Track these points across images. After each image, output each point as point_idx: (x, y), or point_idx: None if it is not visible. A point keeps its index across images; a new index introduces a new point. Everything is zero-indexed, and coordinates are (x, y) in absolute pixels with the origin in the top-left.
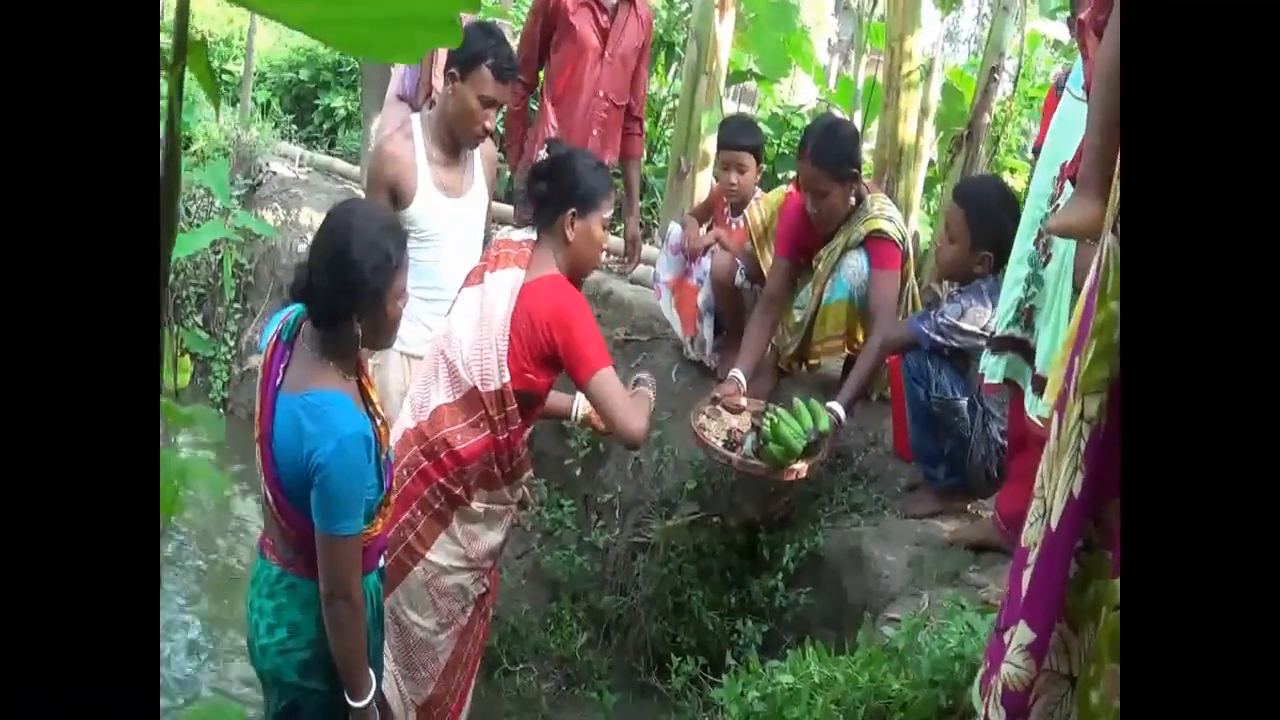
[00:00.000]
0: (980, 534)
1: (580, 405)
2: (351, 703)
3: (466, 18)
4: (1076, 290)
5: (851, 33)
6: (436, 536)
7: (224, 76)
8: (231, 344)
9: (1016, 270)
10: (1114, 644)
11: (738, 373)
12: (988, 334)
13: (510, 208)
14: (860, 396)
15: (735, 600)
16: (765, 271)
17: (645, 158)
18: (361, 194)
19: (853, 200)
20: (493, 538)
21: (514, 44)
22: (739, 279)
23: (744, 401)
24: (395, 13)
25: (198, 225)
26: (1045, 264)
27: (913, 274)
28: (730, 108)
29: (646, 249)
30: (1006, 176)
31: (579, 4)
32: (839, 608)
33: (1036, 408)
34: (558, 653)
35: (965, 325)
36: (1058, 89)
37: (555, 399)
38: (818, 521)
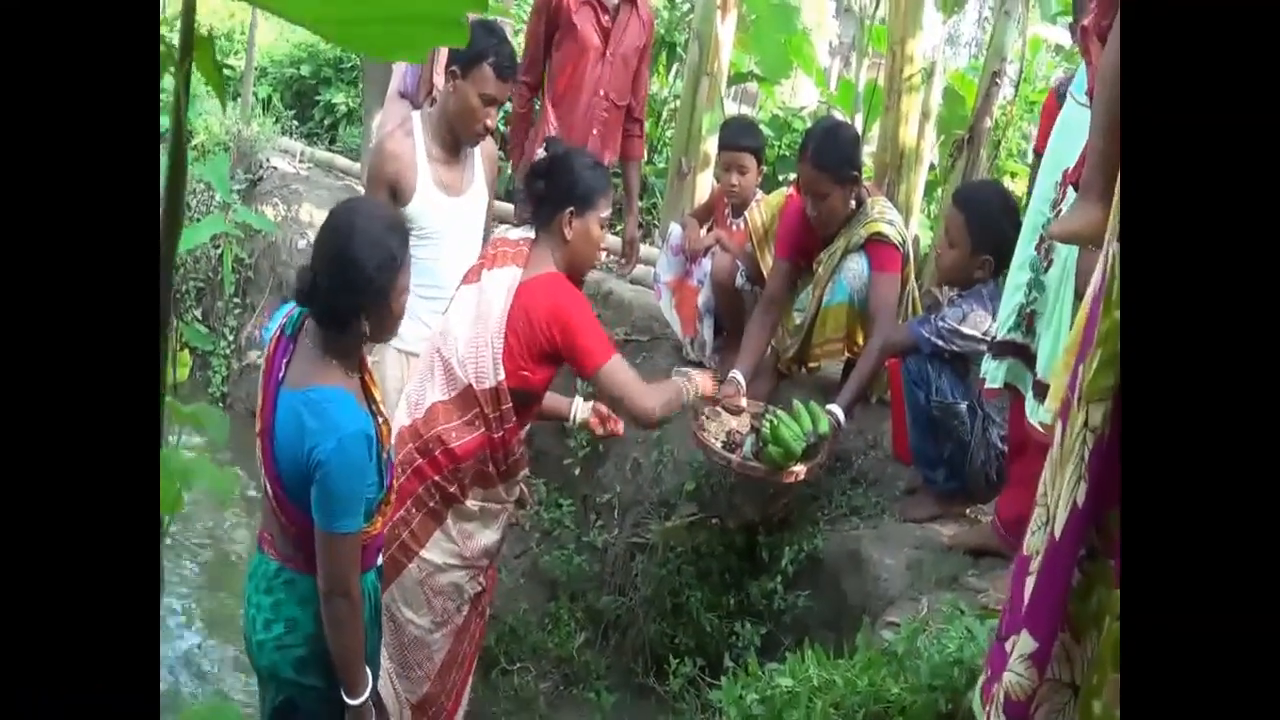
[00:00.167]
0: (979, 538)
1: (578, 409)
2: (348, 700)
3: (469, 16)
4: (1078, 296)
5: (853, 35)
6: (431, 534)
7: (225, 71)
8: (231, 339)
9: (1018, 275)
10: (1116, 653)
11: (737, 374)
12: (988, 338)
13: (511, 206)
14: (860, 399)
15: (734, 602)
16: (765, 273)
17: (646, 158)
18: (362, 191)
19: (853, 203)
20: (488, 536)
21: (515, 43)
22: (739, 280)
23: (743, 403)
24: (401, 11)
25: (198, 219)
26: (1047, 269)
27: (913, 277)
28: (731, 109)
29: (647, 249)
30: (1007, 181)
31: (581, 3)
32: (838, 610)
33: (1037, 413)
34: (556, 652)
35: (966, 329)
36: (1058, 94)
37: (554, 401)
38: (817, 524)
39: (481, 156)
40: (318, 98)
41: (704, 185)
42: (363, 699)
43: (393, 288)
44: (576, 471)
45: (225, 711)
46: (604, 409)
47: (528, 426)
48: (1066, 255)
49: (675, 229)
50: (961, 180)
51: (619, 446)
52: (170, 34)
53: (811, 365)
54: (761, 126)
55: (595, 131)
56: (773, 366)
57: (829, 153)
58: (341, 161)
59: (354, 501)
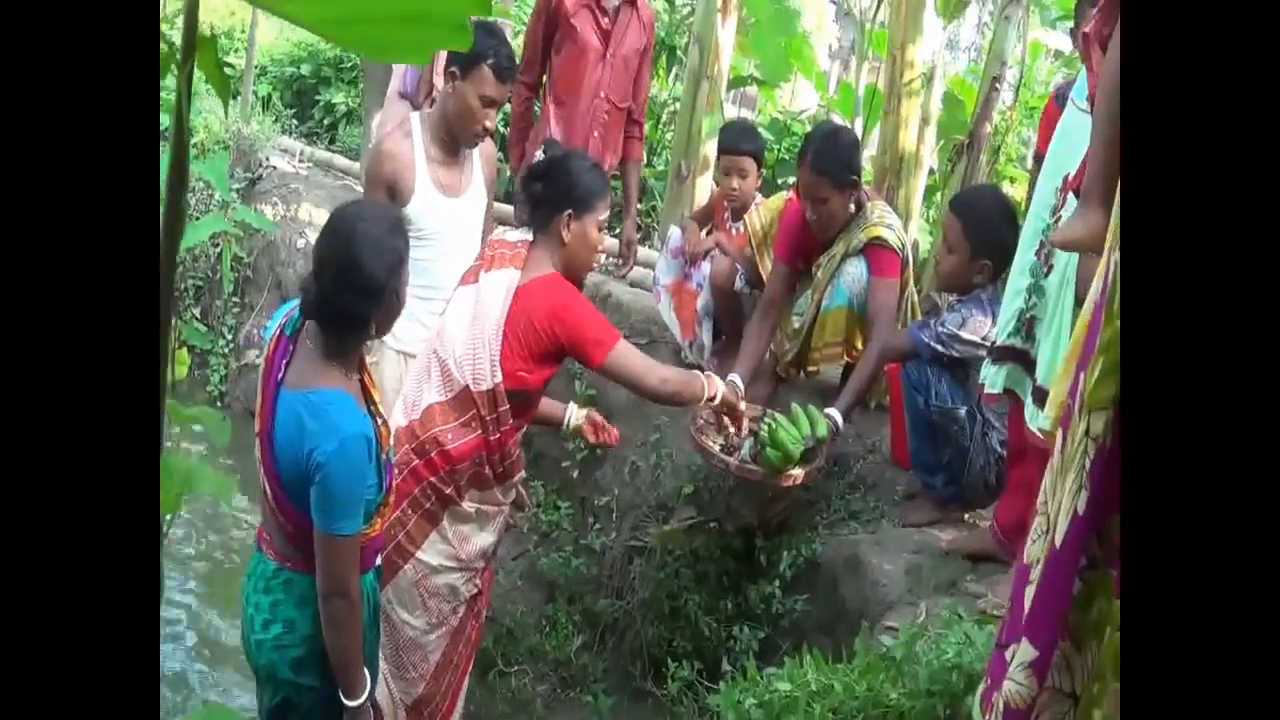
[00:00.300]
0: (978, 544)
1: (572, 416)
2: (346, 701)
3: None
4: (1078, 302)
5: (853, 38)
6: (427, 535)
7: (225, 69)
8: (229, 337)
9: (1018, 280)
10: (1117, 662)
11: (736, 378)
12: (988, 344)
13: (510, 208)
14: (858, 403)
15: (732, 606)
16: (764, 277)
17: (645, 161)
18: (360, 190)
19: (852, 207)
20: (484, 538)
21: (515, 44)
22: (738, 284)
23: (742, 407)
24: (404, 13)
25: (197, 218)
26: (1047, 274)
27: (912, 282)
28: (731, 112)
29: (646, 252)
30: (1006, 186)
31: (580, 5)
32: (836, 615)
33: (1036, 419)
34: (553, 655)
35: (965, 335)
36: (1057, 99)
37: (548, 407)
38: (815, 528)
39: (480, 158)
40: (318, 97)
41: (703, 188)
42: (361, 700)
43: (401, 288)
44: (574, 474)
45: (225, 715)
46: (598, 417)
47: (524, 429)
48: (1066, 261)
49: (674, 232)
50: (961, 185)
51: (617, 450)
52: (170, 31)
53: (810, 369)
54: (761, 130)
55: (596, 134)
56: (771, 370)
57: (828, 157)
58: (341, 161)
59: (353, 503)
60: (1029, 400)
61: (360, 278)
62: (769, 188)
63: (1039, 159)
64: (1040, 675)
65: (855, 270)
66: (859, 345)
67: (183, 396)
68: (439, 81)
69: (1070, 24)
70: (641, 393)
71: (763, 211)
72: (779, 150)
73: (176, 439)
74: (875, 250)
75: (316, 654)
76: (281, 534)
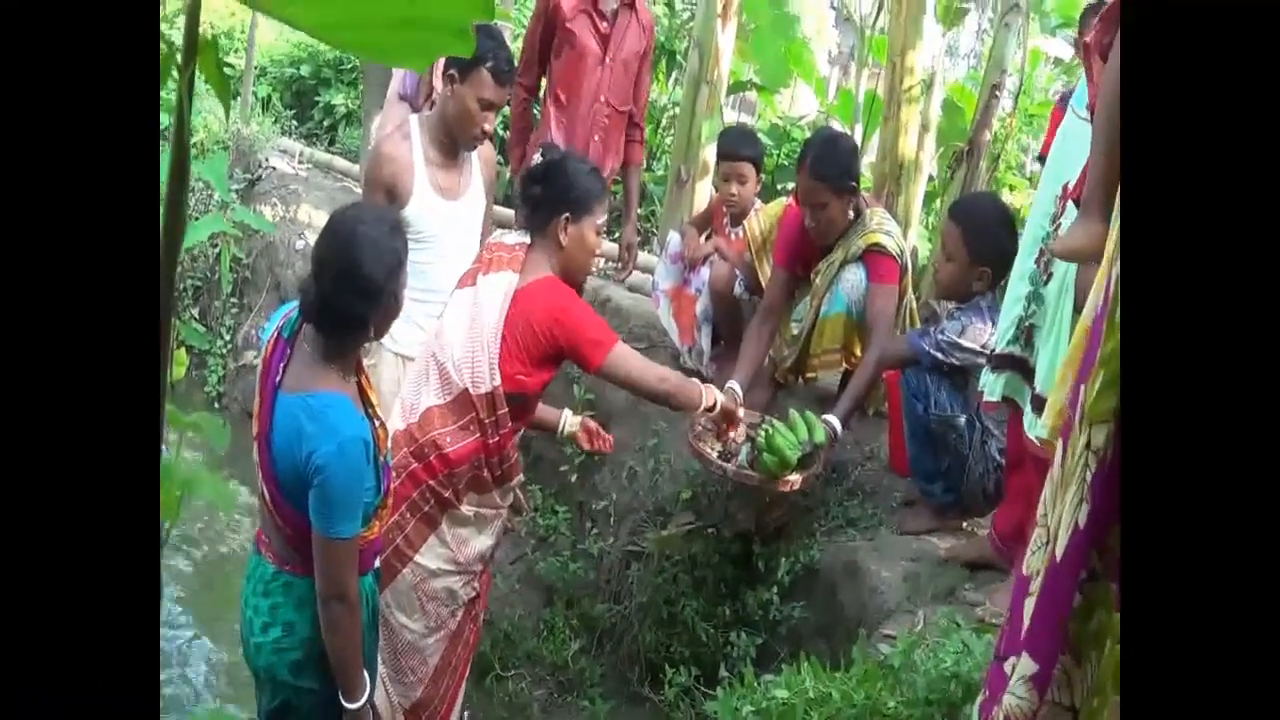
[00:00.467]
0: (976, 552)
1: (567, 422)
2: (346, 704)
3: None
4: (1077, 309)
5: (852, 44)
6: (425, 539)
7: (225, 69)
8: (228, 338)
9: (1017, 288)
10: (1117, 676)
11: (734, 384)
12: (987, 351)
13: (510, 211)
14: (857, 410)
15: (729, 611)
16: (763, 283)
17: (645, 165)
18: (360, 192)
19: (851, 214)
20: (482, 542)
21: (515, 47)
22: (737, 289)
23: (740, 413)
24: (406, 18)
25: (196, 218)
26: (1046, 282)
27: (911, 289)
28: (730, 117)
29: (645, 257)
30: (1006, 193)
31: (578, 10)
32: (833, 622)
33: (1035, 428)
34: (550, 660)
35: (965, 342)
36: (1063, 103)
37: (545, 412)
38: (813, 535)
39: (479, 160)
40: (317, 98)
41: (703, 193)
42: (360, 703)
43: (399, 290)
44: (573, 478)
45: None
46: (592, 424)
47: (522, 432)
48: (1066, 269)
49: (674, 237)
50: (960, 192)
51: (615, 454)
52: (170, 31)
53: (809, 376)
54: (760, 136)
55: (596, 138)
56: (770, 376)
57: (827, 163)
58: (340, 163)
59: (352, 506)
60: (1028, 408)
61: (359, 280)
62: (768, 193)
63: (1044, 158)
64: (1041, 689)
65: (854, 277)
66: (857, 352)
67: (180, 397)
68: (438, 84)
69: (1070, 31)
70: (640, 393)
71: (762, 217)
72: (778, 156)
73: (175, 443)
74: (874, 257)
75: (315, 657)
76: (280, 537)
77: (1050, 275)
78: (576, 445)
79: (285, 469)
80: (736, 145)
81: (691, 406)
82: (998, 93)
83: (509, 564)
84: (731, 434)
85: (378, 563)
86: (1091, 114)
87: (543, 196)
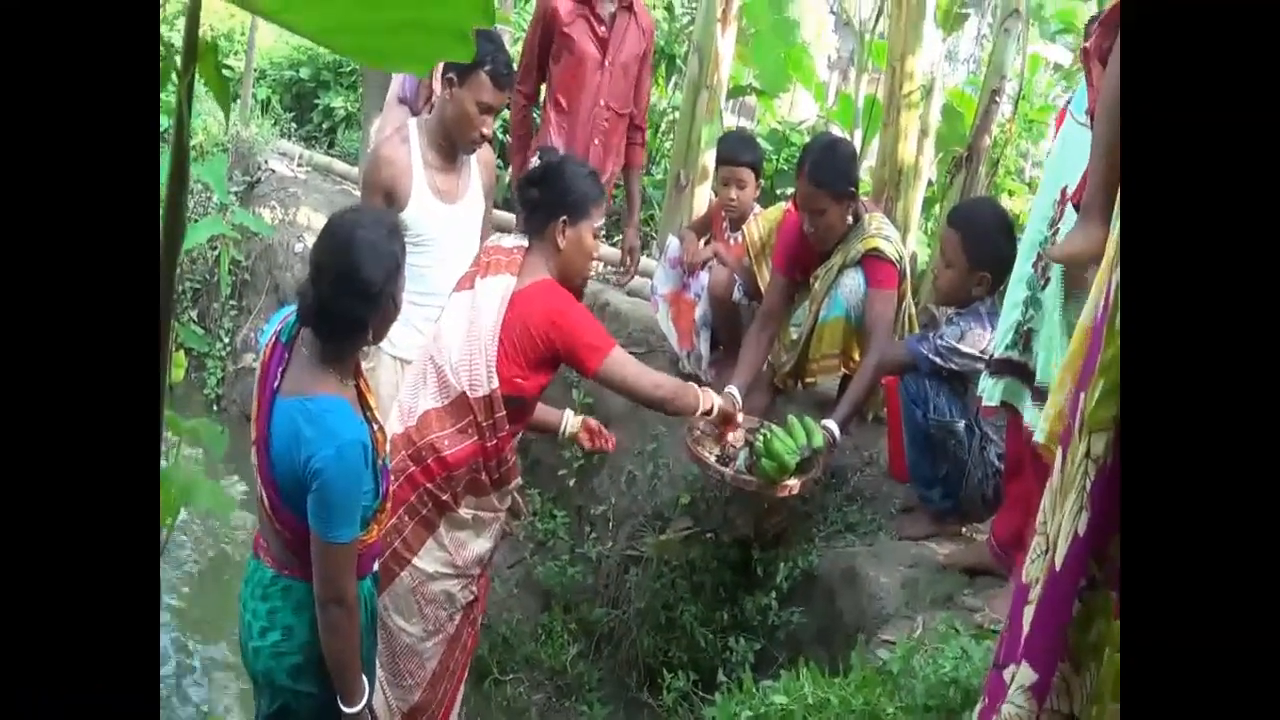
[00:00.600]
0: (975, 558)
1: (569, 423)
2: (344, 708)
3: None
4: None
5: (852, 49)
6: (423, 542)
7: (224, 72)
8: (226, 340)
9: (1015, 292)
10: (1117, 685)
11: (733, 389)
12: (987, 357)
13: (510, 215)
14: (855, 415)
15: (728, 617)
16: (762, 288)
17: (644, 169)
18: (359, 195)
19: (850, 219)
20: (481, 545)
21: (514, 51)
22: (736, 294)
23: (739, 417)
24: (406, 22)
25: (195, 220)
26: (1044, 287)
27: (909, 294)
28: (730, 122)
29: (644, 261)
30: (1005, 199)
31: (576, 15)
32: (832, 627)
33: (1038, 420)
34: (548, 664)
35: (964, 348)
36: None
37: (545, 414)
38: (812, 540)
39: (479, 164)
40: (316, 101)
41: (702, 198)
42: (359, 707)
43: (397, 294)
44: (571, 483)
45: None
46: (594, 423)
47: (520, 435)
48: (1063, 273)
49: (673, 241)
50: (959, 198)
51: (614, 459)
52: (170, 33)
53: (808, 381)
54: (760, 140)
55: (596, 141)
56: (769, 381)
57: (826, 169)
58: (340, 166)
59: (350, 510)
60: (1027, 409)
61: (357, 283)
62: (767, 198)
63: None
64: (1040, 698)
65: (853, 282)
66: (856, 357)
67: (179, 399)
68: (438, 88)
69: (1070, 38)
70: (636, 399)
71: (761, 222)
72: (777, 161)
73: (175, 446)
74: (873, 262)
75: (314, 661)
76: (279, 541)
77: (1048, 280)
78: (579, 446)
79: (284, 473)
80: (736, 150)
81: (689, 411)
82: (997, 98)
83: (507, 568)
84: (730, 436)
85: (376, 566)
86: (1091, 119)
87: (540, 199)
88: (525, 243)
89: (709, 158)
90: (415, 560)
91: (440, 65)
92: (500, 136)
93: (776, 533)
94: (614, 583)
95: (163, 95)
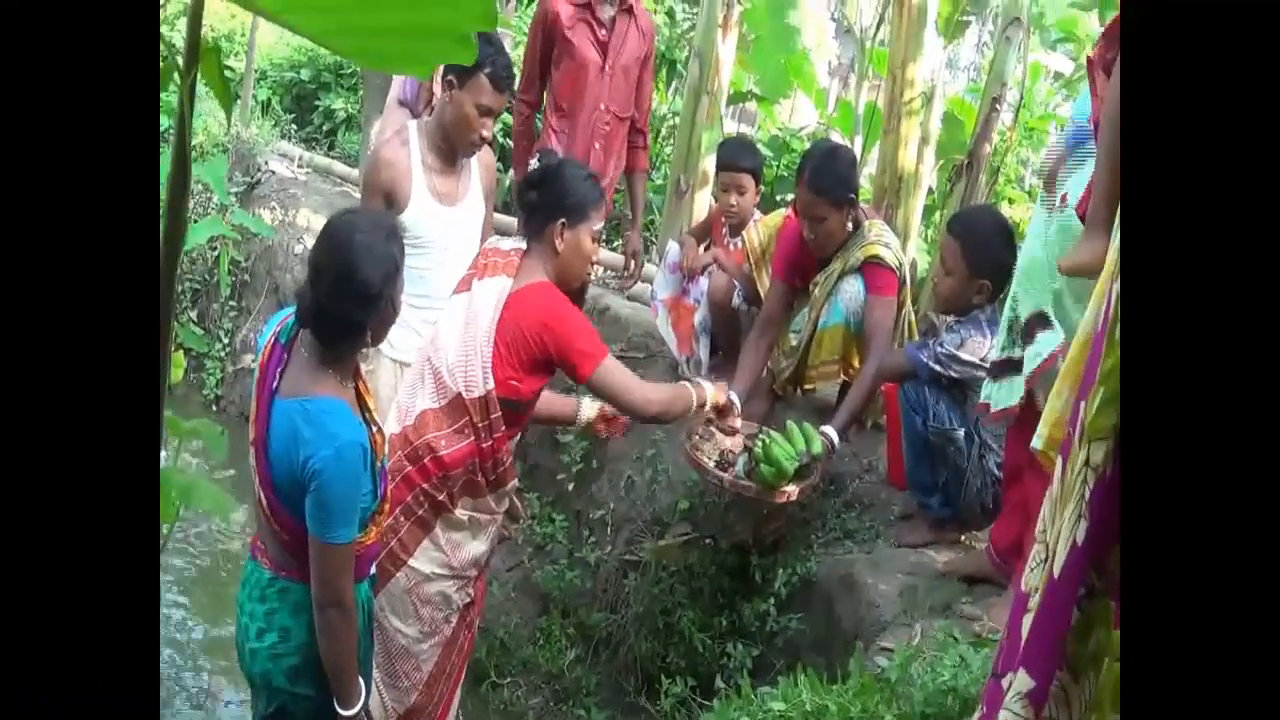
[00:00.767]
0: (973, 566)
1: (584, 408)
2: (341, 711)
3: None
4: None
5: (853, 56)
6: (419, 543)
7: (225, 72)
8: (225, 341)
9: (1012, 291)
10: (1116, 695)
11: (732, 395)
12: (987, 364)
13: (510, 218)
14: (854, 422)
15: (726, 622)
16: (762, 294)
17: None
18: (359, 197)
19: (850, 226)
20: (477, 547)
21: (515, 55)
22: (736, 300)
23: (738, 424)
24: (409, 26)
25: (195, 221)
26: None
27: (909, 302)
28: (730, 128)
29: (646, 267)
30: (1005, 207)
31: (576, 19)
32: (830, 634)
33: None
34: (546, 668)
35: (964, 355)
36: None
37: (559, 403)
38: (810, 547)
39: (479, 166)
40: (317, 102)
41: (702, 203)
42: (356, 710)
43: (396, 296)
44: (570, 487)
45: None
46: (608, 409)
47: (517, 437)
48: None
49: (673, 247)
50: (960, 205)
51: (613, 463)
52: (170, 34)
53: (807, 387)
54: (760, 147)
55: (597, 145)
56: (768, 388)
57: (826, 176)
58: (339, 167)
59: (349, 511)
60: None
61: (356, 285)
62: (767, 204)
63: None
64: (1037, 706)
65: (852, 288)
66: (856, 363)
67: (178, 400)
68: (438, 90)
69: (1070, 46)
70: (625, 411)
71: (761, 229)
72: (778, 167)
73: (174, 448)
74: (872, 268)
75: (311, 662)
76: (277, 542)
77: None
78: (594, 433)
79: (282, 474)
80: (736, 156)
81: (685, 415)
82: (998, 106)
83: (505, 571)
84: (729, 442)
85: (373, 569)
86: (1095, 128)
87: (539, 202)
88: (524, 245)
89: (709, 163)
90: (411, 561)
91: (440, 68)
92: (501, 140)
93: (775, 539)
94: (612, 587)
95: (163, 96)
